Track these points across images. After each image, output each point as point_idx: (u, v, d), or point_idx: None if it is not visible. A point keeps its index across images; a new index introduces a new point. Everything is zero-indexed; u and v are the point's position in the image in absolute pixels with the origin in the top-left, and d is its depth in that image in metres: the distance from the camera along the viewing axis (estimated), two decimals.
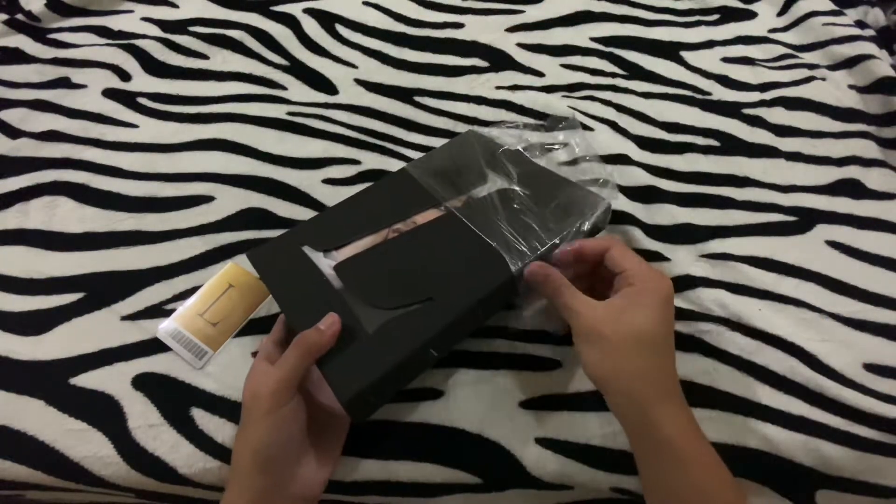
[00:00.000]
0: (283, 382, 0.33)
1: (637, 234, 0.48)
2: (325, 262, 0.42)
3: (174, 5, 0.69)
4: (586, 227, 0.42)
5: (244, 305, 0.45)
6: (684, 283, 0.46)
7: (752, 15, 0.69)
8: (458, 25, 0.67)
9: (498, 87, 0.61)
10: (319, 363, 0.36)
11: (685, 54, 0.64)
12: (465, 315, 0.38)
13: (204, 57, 0.63)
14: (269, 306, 0.46)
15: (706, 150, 0.56)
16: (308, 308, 0.39)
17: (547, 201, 0.45)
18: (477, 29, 0.66)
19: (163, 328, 0.44)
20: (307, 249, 0.42)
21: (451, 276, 0.40)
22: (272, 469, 0.33)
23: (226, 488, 0.33)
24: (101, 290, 0.46)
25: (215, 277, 0.46)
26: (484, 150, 0.50)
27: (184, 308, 0.45)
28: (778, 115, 0.58)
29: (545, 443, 0.40)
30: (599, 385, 0.33)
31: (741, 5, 0.70)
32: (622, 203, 0.51)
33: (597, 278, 0.39)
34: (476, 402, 0.41)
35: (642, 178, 0.53)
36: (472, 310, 0.39)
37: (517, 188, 0.46)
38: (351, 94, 0.60)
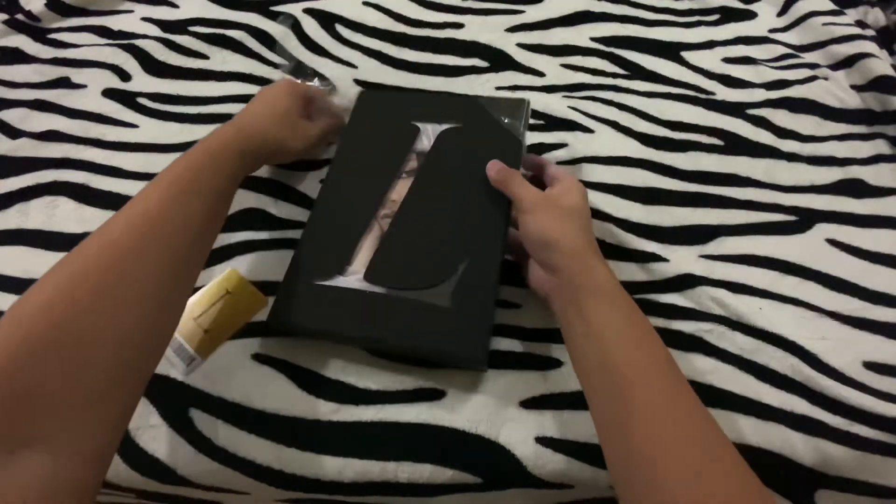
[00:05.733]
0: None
1: (629, 236, 0.49)
2: (350, 280, 0.42)
3: (174, 5, 0.69)
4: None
5: (238, 314, 0.45)
6: (685, 282, 0.46)
7: (752, 15, 0.69)
8: (458, 25, 0.67)
9: (498, 88, 0.61)
10: (439, 356, 0.41)
11: (686, 54, 0.64)
12: (504, 234, 0.43)
13: (204, 57, 0.63)
14: (268, 314, 0.45)
15: (710, 149, 0.55)
16: (363, 323, 0.41)
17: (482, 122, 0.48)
18: (477, 29, 0.66)
19: None
20: (320, 281, 0.43)
21: (469, 214, 0.44)
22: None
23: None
24: None
25: (213, 282, 0.46)
26: (391, 107, 0.52)
27: None
28: (781, 115, 0.58)
29: (545, 442, 0.40)
30: (548, 244, 0.38)
31: (741, 5, 0.70)
32: (621, 204, 0.51)
33: None
34: (476, 402, 0.41)
35: (645, 178, 0.53)
36: (506, 221, 0.43)
37: (453, 124, 0.49)
38: (351, 94, 0.60)
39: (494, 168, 0.43)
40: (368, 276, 0.42)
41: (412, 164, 0.47)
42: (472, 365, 0.41)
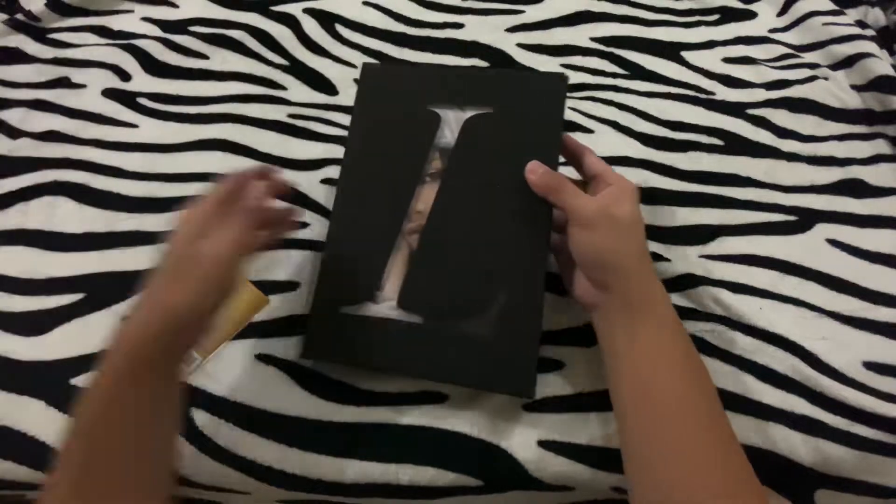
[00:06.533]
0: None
1: None
2: (383, 308, 0.40)
3: (174, 5, 0.69)
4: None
5: (239, 314, 0.45)
6: (686, 282, 0.46)
7: (752, 15, 0.69)
8: (458, 25, 0.67)
9: None
10: (483, 389, 0.40)
11: (686, 54, 0.64)
12: (548, 250, 0.39)
13: (204, 57, 0.63)
14: (269, 313, 0.45)
15: (710, 149, 0.55)
16: (402, 356, 0.39)
17: (511, 107, 0.42)
18: (477, 29, 0.66)
19: None
20: (351, 310, 0.40)
21: (507, 225, 0.40)
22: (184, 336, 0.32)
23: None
24: (101, 291, 0.46)
25: None
26: (404, 87, 0.45)
27: None
28: (781, 115, 0.58)
29: (547, 445, 0.40)
30: (604, 265, 0.36)
31: (741, 5, 0.70)
32: None
33: None
34: (478, 405, 0.41)
35: (645, 178, 0.53)
36: (548, 232, 0.39)
37: (476, 111, 0.42)
38: (351, 94, 0.59)
39: (537, 173, 0.39)
40: (402, 303, 0.40)
41: (435, 163, 0.42)
42: (517, 395, 0.40)
